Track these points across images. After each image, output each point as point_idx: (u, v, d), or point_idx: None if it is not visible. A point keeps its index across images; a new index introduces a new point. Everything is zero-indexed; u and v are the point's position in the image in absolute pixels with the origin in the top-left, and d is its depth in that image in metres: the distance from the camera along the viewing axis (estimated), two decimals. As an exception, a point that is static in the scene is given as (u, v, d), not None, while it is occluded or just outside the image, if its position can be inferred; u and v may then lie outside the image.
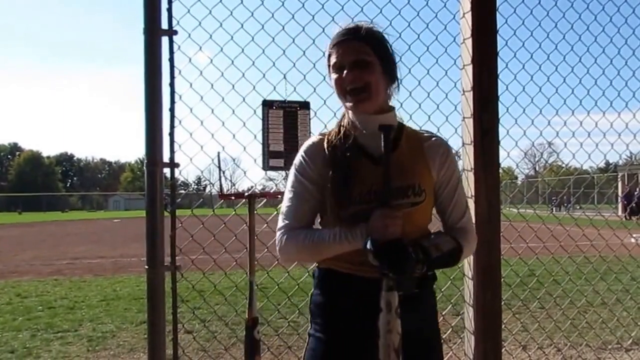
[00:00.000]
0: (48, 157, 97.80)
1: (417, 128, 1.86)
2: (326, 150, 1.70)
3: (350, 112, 1.73)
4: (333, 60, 1.68)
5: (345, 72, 1.65)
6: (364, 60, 1.64)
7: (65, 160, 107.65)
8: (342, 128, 1.73)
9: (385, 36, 1.73)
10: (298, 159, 1.75)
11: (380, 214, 1.51)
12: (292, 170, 1.75)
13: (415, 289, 1.60)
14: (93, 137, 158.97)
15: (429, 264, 1.57)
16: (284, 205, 1.75)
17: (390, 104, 1.77)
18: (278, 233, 1.73)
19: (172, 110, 2.34)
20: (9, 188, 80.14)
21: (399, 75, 1.76)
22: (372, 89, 1.65)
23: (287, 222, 1.72)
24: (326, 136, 1.74)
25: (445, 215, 1.79)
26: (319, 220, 1.78)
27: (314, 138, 1.78)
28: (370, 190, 1.62)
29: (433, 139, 1.77)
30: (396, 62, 1.74)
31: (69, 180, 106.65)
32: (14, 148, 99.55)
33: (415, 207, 1.65)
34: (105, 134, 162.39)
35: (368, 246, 1.49)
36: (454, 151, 1.80)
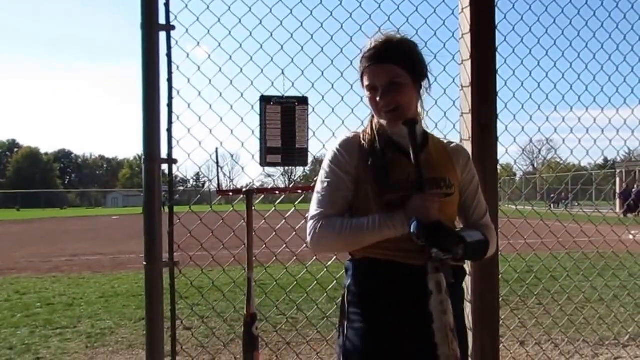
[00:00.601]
0: (46, 154, 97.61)
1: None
2: (363, 142, 1.78)
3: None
4: (366, 81, 1.75)
5: (379, 93, 1.72)
6: (396, 82, 1.71)
7: (64, 157, 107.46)
8: (374, 126, 1.80)
9: (414, 44, 1.79)
10: (332, 152, 1.81)
11: (421, 197, 1.60)
12: (326, 163, 1.80)
13: (452, 279, 1.63)
14: (91, 134, 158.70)
15: (466, 248, 1.62)
16: (317, 195, 1.78)
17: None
18: (311, 221, 1.74)
19: (169, 106, 2.33)
20: (7, 185, 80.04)
21: (429, 76, 1.84)
22: (404, 109, 1.73)
23: (321, 210, 1.74)
24: (362, 133, 1.82)
25: (469, 213, 1.89)
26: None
27: (348, 134, 1.85)
28: (407, 178, 1.68)
29: (454, 144, 1.91)
30: (426, 65, 1.82)
31: (67, 177, 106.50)
32: (12, 144, 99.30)
33: (447, 198, 1.74)
34: (104, 130, 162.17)
35: (413, 228, 1.54)
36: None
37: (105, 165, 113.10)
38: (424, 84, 1.82)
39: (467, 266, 2.36)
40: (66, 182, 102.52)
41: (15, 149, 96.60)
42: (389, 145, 1.76)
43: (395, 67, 1.70)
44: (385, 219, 1.64)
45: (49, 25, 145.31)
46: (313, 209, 1.76)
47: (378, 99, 1.72)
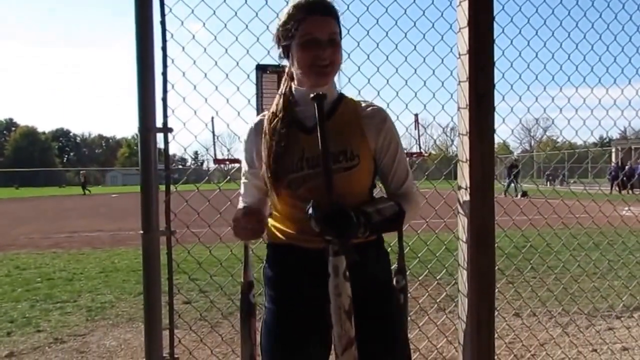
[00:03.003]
0: (44, 133, 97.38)
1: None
2: (265, 124, 1.77)
3: (291, 83, 1.78)
4: (304, 32, 1.66)
5: (322, 46, 1.65)
6: (334, 39, 1.68)
7: (62, 135, 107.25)
8: (283, 97, 1.78)
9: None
10: (242, 144, 1.86)
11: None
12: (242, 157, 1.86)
13: (357, 257, 1.64)
14: (89, 113, 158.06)
15: (371, 229, 1.61)
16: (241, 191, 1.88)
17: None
18: None
19: (164, 74, 2.31)
20: (5, 163, 79.95)
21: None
22: (335, 68, 1.72)
23: (242, 202, 1.86)
24: (267, 114, 1.80)
25: (387, 181, 1.84)
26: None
27: (255, 120, 1.85)
28: (302, 157, 1.68)
29: (370, 108, 1.81)
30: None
31: (66, 156, 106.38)
32: (10, 124, 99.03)
33: (350, 171, 1.69)
34: (102, 110, 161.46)
35: (310, 212, 1.52)
36: (390, 118, 1.83)
37: (103, 144, 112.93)
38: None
39: (463, 233, 2.37)
40: (65, 161, 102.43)
41: (13, 128, 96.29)
42: (288, 123, 1.72)
43: (335, 24, 1.69)
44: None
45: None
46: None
47: (322, 52, 1.65)
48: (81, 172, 41.44)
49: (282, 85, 1.81)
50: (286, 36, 1.71)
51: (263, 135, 1.75)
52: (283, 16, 1.72)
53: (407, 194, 1.81)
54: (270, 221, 1.83)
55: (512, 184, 20.37)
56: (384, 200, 1.77)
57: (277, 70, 2.42)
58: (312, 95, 1.55)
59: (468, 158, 2.34)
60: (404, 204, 1.75)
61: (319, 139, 1.54)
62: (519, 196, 17.51)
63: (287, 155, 1.68)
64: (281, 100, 1.77)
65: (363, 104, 1.82)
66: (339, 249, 1.53)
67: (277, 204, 1.78)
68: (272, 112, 1.77)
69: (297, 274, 1.73)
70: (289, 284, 1.76)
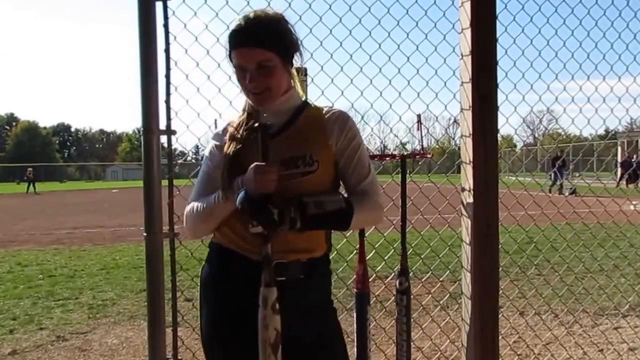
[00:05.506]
0: (45, 128, 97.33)
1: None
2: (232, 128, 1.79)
3: None
4: (234, 60, 1.70)
5: (248, 76, 1.67)
6: (265, 66, 1.67)
7: (63, 130, 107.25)
8: (244, 112, 1.82)
9: (281, 21, 1.74)
10: (210, 145, 1.85)
11: (253, 167, 1.55)
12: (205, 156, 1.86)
13: (301, 274, 1.69)
14: (90, 108, 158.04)
15: (305, 221, 1.58)
16: (193, 189, 1.84)
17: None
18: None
19: (167, 77, 2.30)
20: (6, 158, 80.00)
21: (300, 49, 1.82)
22: (272, 91, 1.72)
23: (190, 200, 1.80)
24: (231, 123, 1.83)
25: (346, 180, 1.81)
26: None
27: (224, 124, 1.88)
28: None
29: (333, 111, 1.82)
30: (296, 40, 1.79)
31: (66, 151, 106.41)
32: (11, 118, 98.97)
33: (307, 176, 1.69)
34: (103, 104, 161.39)
35: (238, 200, 1.52)
36: (353, 120, 1.83)
37: (104, 139, 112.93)
38: (296, 55, 1.80)
39: (467, 235, 2.37)
40: (65, 156, 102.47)
41: (14, 123, 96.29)
42: (248, 128, 1.73)
43: (263, 51, 1.65)
44: (225, 191, 1.65)
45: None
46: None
47: (248, 81, 1.68)
48: (28, 168, 39.49)
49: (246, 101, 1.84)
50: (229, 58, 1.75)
51: (228, 138, 1.76)
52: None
53: (364, 195, 1.77)
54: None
55: (559, 180, 18.67)
56: (332, 194, 1.74)
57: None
58: (256, 124, 1.60)
59: (471, 160, 2.33)
60: (356, 203, 1.71)
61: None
62: (566, 194, 14.54)
63: (244, 160, 1.64)
64: (245, 114, 1.81)
65: (326, 109, 1.83)
66: (270, 280, 1.53)
67: None
68: (233, 126, 1.80)
69: (236, 280, 1.72)
70: (228, 288, 1.75)
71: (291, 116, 1.78)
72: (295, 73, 1.84)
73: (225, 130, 1.83)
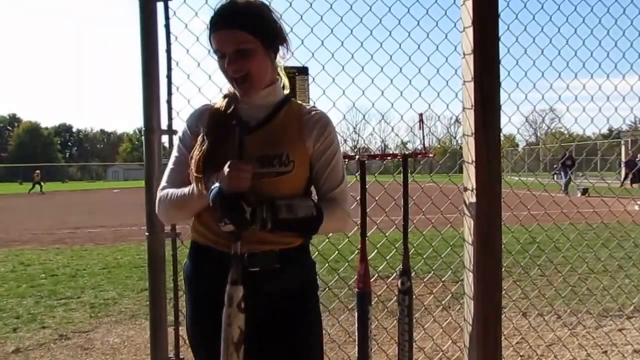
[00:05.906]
0: (46, 128, 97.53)
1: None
2: (210, 114, 1.73)
3: None
4: (214, 45, 1.66)
5: (227, 60, 1.63)
6: (244, 49, 1.62)
7: (64, 131, 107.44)
8: (226, 98, 1.76)
9: (262, 7, 1.70)
10: (182, 127, 1.80)
11: (229, 164, 1.51)
12: (177, 138, 1.82)
13: (277, 263, 1.66)
14: (91, 109, 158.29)
15: (275, 223, 1.57)
16: (165, 171, 1.79)
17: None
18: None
19: (169, 77, 2.32)
20: (9, 159, 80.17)
21: (287, 39, 1.76)
22: (254, 78, 1.66)
23: (163, 185, 1.75)
24: (212, 107, 1.77)
25: (319, 185, 1.78)
26: None
27: (200, 108, 1.81)
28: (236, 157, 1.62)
29: (313, 112, 1.77)
30: (280, 28, 1.73)
31: (68, 151, 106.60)
32: (13, 119, 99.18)
33: (282, 176, 1.66)
34: (104, 105, 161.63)
35: (211, 196, 1.51)
36: (333, 125, 1.79)
37: (105, 139, 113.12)
38: (282, 48, 1.74)
39: (469, 235, 2.36)
40: (67, 156, 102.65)
41: (16, 124, 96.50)
42: (227, 122, 1.67)
43: (242, 33, 1.61)
44: (201, 186, 1.62)
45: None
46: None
47: (226, 65, 1.64)
48: (36, 170, 39.17)
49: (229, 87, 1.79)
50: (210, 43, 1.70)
51: (202, 129, 1.71)
52: None
53: (334, 203, 1.75)
54: (193, 220, 1.78)
55: (571, 180, 18.42)
56: (305, 200, 1.72)
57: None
58: (234, 122, 1.58)
59: (474, 159, 2.32)
60: (325, 210, 1.69)
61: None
62: (578, 194, 14.83)
63: (220, 155, 1.60)
64: (224, 100, 1.75)
65: (307, 108, 1.80)
66: (237, 278, 1.52)
67: None
68: (216, 108, 1.75)
69: (213, 277, 1.67)
70: (206, 285, 1.73)
71: (271, 112, 1.74)
72: (281, 65, 1.80)
73: (201, 114, 1.77)
